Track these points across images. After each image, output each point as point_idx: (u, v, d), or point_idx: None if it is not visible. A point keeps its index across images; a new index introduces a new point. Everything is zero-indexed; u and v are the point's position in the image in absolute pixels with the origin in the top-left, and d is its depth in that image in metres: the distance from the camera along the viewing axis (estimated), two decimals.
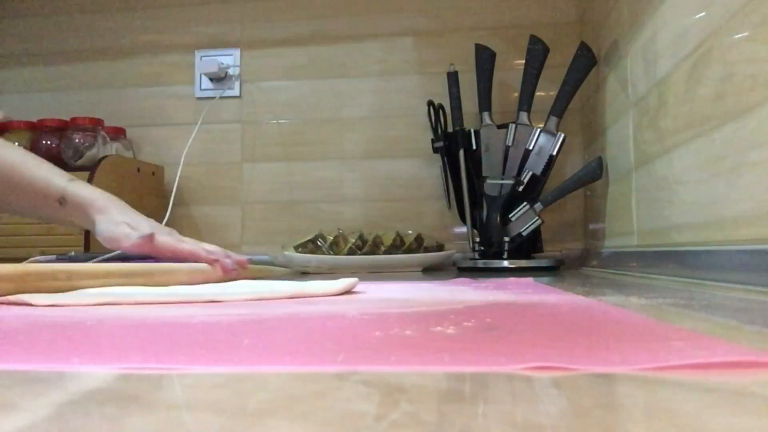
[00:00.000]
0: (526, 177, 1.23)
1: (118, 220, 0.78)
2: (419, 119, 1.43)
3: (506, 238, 1.23)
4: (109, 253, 0.92)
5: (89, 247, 1.19)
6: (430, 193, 1.49)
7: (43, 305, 0.44)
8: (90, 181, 1.28)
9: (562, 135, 1.23)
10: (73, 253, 1.04)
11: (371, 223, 1.47)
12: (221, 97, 1.57)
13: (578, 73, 1.22)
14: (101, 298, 0.47)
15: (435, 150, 1.35)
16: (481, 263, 1.22)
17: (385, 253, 1.24)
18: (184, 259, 0.76)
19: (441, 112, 1.36)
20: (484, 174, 1.27)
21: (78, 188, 0.82)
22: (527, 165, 1.23)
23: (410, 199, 1.51)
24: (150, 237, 0.74)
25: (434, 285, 0.73)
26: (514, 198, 1.23)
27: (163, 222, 1.38)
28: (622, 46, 1.04)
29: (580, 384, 0.19)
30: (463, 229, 1.33)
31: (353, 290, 0.60)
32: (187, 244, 0.77)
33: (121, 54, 1.64)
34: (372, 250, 1.24)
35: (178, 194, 1.48)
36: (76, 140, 1.37)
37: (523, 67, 1.28)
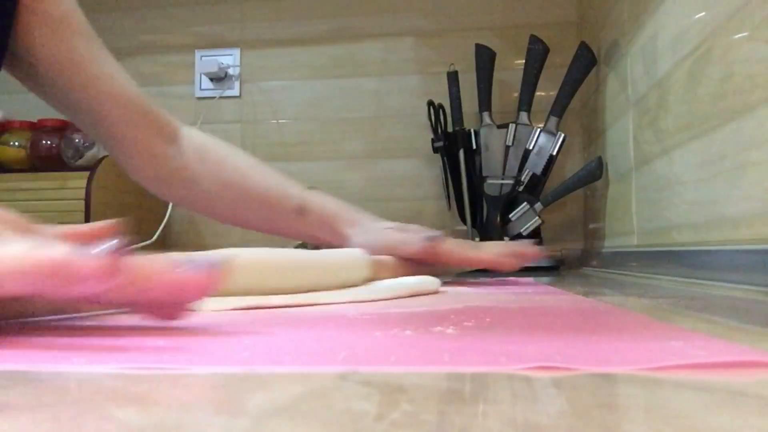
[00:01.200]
0: (526, 177, 1.23)
1: (379, 227, 0.71)
2: (419, 119, 1.43)
3: (506, 238, 1.23)
4: None
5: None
6: (430, 193, 1.49)
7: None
8: (90, 181, 1.27)
9: (562, 135, 1.23)
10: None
11: None
12: (221, 97, 1.57)
13: (578, 73, 1.22)
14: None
15: (435, 150, 1.35)
16: None
17: None
18: (476, 266, 0.68)
19: (441, 112, 1.36)
20: (484, 174, 1.27)
21: (319, 199, 0.74)
22: (527, 165, 1.24)
23: (410, 199, 1.51)
24: (437, 239, 0.65)
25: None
26: (514, 198, 1.23)
27: (162, 222, 1.38)
28: (622, 46, 1.04)
29: (580, 384, 0.19)
30: (463, 229, 1.33)
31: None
32: (482, 252, 0.68)
33: (121, 54, 1.63)
34: None
35: None
36: (76, 140, 1.37)
37: (523, 67, 1.28)
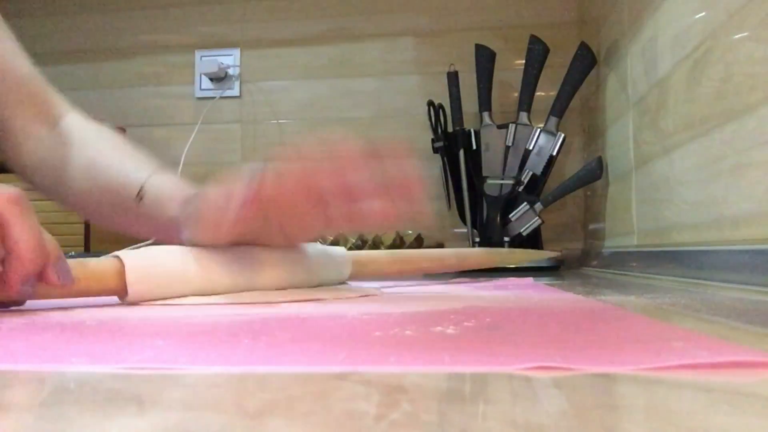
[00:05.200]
0: (526, 177, 1.23)
1: (192, 193, 0.53)
2: (419, 119, 1.43)
3: (506, 238, 1.23)
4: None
5: (89, 247, 1.19)
6: (430, 193, 1.48)
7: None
8: None
9: (562, 135, 1.23)
10: (73, 254, 1.03)
11: None
12: (221, 97, 1.57)
13: (578, 73, 1.22)
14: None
15: (435, 150, 1.35)
16: None
17: None
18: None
19: (441, 112, 1.36)
20: (484, 174, 1.27)
21: (158, 179, 0.59)
22: (527, 165, 1.24)
23: None
24: (263, 174, 0.44)
25: (434, 285, 0.73)
26: (514, 198, 1.23)
27: None
28: (622, 46, 1.04)
29: (580, 384, 0.19)
30: (463, 229, 1.33)
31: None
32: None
33: (121, 54, 1.64)
34: (372, 250, 1.24)
35: None
36: None
37: (523, 67, 1.28)
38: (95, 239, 1.28)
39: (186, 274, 0.46)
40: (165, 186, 0.58)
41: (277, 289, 0.50)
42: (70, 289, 0.41)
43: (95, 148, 0.64)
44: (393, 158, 0.49)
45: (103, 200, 0.62)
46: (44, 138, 0.66)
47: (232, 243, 0.49)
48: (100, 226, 0.70)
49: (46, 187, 0.67)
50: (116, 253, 0.45)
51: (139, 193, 0.57)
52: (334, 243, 1.25)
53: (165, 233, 0.55)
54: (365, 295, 0.53)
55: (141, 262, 0.45)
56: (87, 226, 1.27)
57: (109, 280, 0.44)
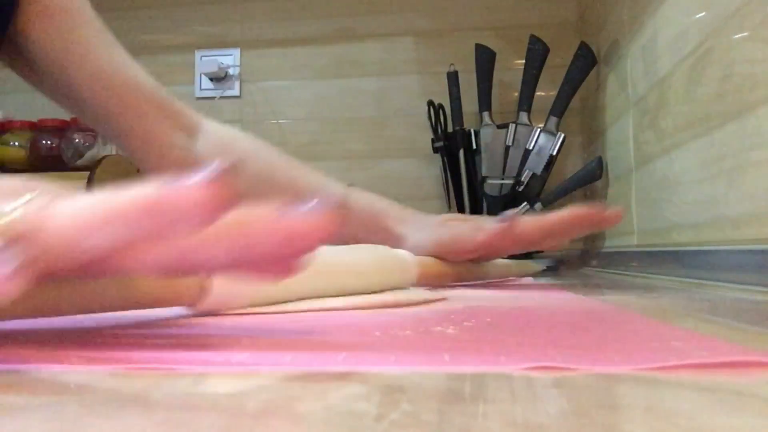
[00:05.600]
0: (526, 177, 1.23)
1: (440, 220, 0.64)
2: (419, 119, 1.43)
3: None
4: None
5: None
6: (430, 193, 1.49)
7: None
8: (90, 181, 1.27)
9: (562, 135, 1.23)
10: None
11: None
12: (221, 97, 1.57)
13: (578, 73, 1.22)
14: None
15: (435, 150, 1.35)
16: None
17: None
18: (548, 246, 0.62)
19: (441, 112, 1.36)
20: (484, 174, 1.27)
21: (360, 195, 0.67)
22: (527, 165, 1.23)
23: (410, 199, 1.50)
24: (513, 220, 0.58)
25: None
26: (514, 198, 1.23)
27: None
28: (622, 46, 1.04)
29: (580, 384, 0.19)
30: None
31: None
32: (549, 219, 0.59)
33: None
34: None
35: None
36: (76, 140, 1.37)
37: (523, 67, 1.28)
38: None
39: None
40: (373, 202, 0.68)
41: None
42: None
43: (264, 157, 0.68)
44: None
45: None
46: (187, 146, 0.68)
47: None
48: None
49: None
50: None
51: (343, 206, 0.64)
52: None
53: (375, 239, 0.60)
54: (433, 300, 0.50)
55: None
56: None
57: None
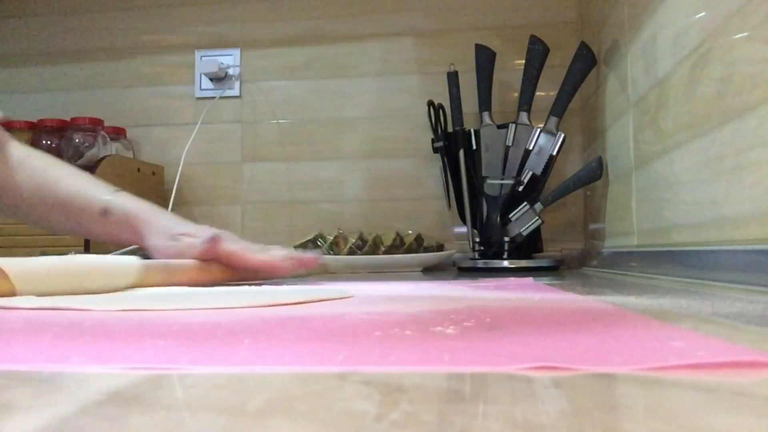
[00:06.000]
0: (526, 177, 1.23)
1: (174, 233, 0.74)
2: (419, 119, 1.43)
3: (506, 238, 1.23)
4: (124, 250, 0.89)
5: (89, 248, 1.19)
6: (430, 193, 1.49)
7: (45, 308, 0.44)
8: None
9: (562, 135, 1.23)
10: (74, 253, 1.03)
11: (371, 223, 1.47)
12: (221, 97, 1.57)
13: (578, 73, 1.22)
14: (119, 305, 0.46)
15: (435, 150, 1.35)
16: (481, 263, 1.22)
17: (385, 253, 1.24)
18: (253, 268, 0.72)
19: (441, 112, 1.36)
20: (484, 174, 1.27)
21: (122, 200, 0.77)
22: (527, 165, 1.23)
23: (410, 199, 1.51)
24: (214, 240, 0.69)
25: (434, 285, 0.73)
26: (514, 198, 1.23)
27: None
28: (622, 46, 1.04)
29: (580, 384, 0.19)
30: (463, 229, 1.33)
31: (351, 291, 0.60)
32: (258, 254, 0.72)
33: (121, 54, 1.64)
34: (372, 250, 1.24)
35: (178, 194, 1.48)
36: (76, 140, 1.37)
37: (523, 67, 1.28)
38: (95, 240, 1.28)
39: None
40: (129, 206, 0.77)
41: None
42: None
43: (50, 173, 0.79)
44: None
45: (65, 218, 0.78)
46: None
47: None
48: (60, 234, 0.92)
49: (6, 208, 0.82)
50: None
51: (105, 210, 0.76)
52: (334, 243, 1.25)
53: (135, 242, 0.77)
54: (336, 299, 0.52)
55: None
56: None
57: None
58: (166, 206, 1.43)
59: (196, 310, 0.43)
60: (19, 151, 0.81)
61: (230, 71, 1.58)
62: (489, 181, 1.25)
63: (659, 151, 0.84)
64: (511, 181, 1.24)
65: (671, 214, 0.79)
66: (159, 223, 0.76)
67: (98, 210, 0.76)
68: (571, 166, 1.40)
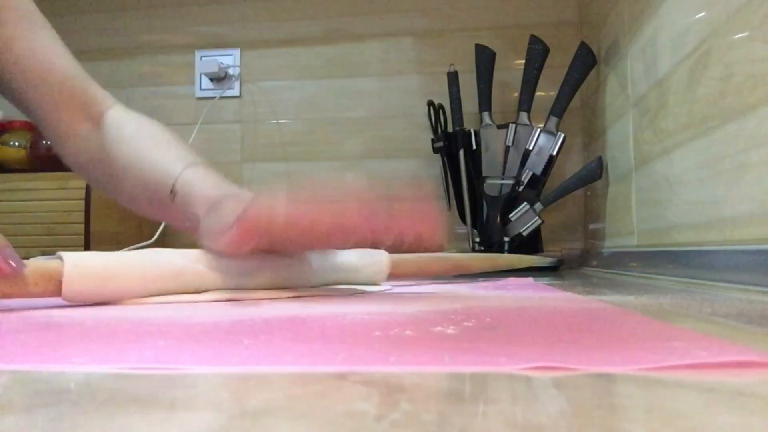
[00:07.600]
0: (526, 177, 1.23)
1: (228, 210, 0.50)
2: (419, 119, 1.43)
3: (506, 238, 1.23)
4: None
5: (89, 248, 1.19)
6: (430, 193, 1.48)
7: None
8: None
9: (562, 135, 1.23)
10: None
11: None
12: (221, 97, 1.57)
13: (578, 73, 1.22)
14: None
15: (435, 150, 1.35)
16: None
17: None
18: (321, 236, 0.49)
19: (441, 112, 1.36)
20: (484, 174, 1.27)
21: (190, 175, 0.58)
22: (527, 165, 1.23)
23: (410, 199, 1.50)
24: (243, 221, 0.47)
25: (434, 285, 0.73)
26: (514, 198, 1.23)
27: (163, 223, 1.37)
28: (622, 46, 1.04)
29: (580, 384, 0.19)
30: (463, 229, 1.33)
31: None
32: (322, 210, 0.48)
33: (121, 54, 1.64)
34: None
35: None
36: None
37: (523, 67, 1.28)
38: (95, 239, 1.28)
39: (127, 276, 0.46)
40: (195, 182, 0.58)
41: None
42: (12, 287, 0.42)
43: (135, 144, 0.65)
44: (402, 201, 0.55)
45: (144, 196, 0.63)
46: (90, 137, 0.67)
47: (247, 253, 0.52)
48: (153, 222, 0.72)
49: (101, 184, 0.70)
50: (59, 253, 0.45)
51: (172, 189, 0.58)
52: None
53: (194, 230, 0.55)
54: (349, 294, 0.54)
55: (81, 262, 0.45)
56: (87, 226, 1.27)
57: (47, 279, 0.44)
58: None
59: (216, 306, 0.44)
60: (118, 118, 0.67)
61: (230, 71, 1.58)
62: (489, 181, 1.25)
63: (659, 151, 0.84)
64: (511, 181, 1.24)
65: (671, 214, 0.79)
66: (222, 200, 0.54)
67: (169, 190, 0.58)
68: (571, 166, 1.40)
